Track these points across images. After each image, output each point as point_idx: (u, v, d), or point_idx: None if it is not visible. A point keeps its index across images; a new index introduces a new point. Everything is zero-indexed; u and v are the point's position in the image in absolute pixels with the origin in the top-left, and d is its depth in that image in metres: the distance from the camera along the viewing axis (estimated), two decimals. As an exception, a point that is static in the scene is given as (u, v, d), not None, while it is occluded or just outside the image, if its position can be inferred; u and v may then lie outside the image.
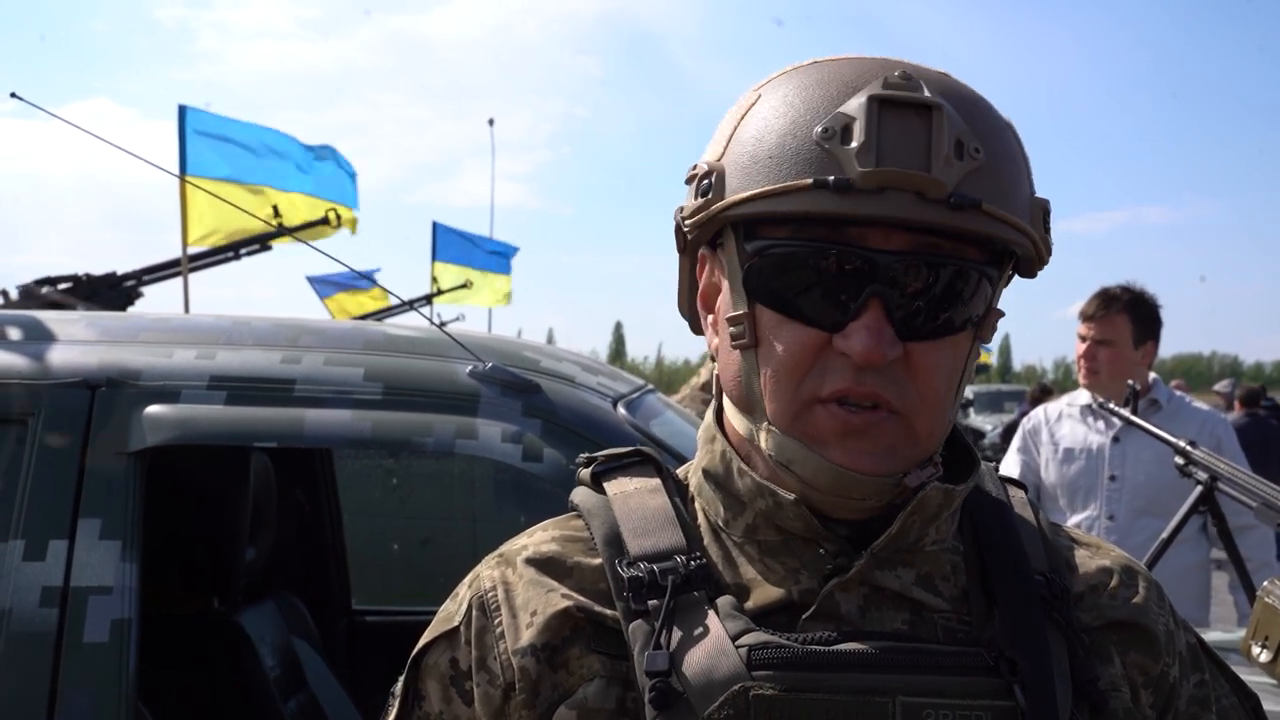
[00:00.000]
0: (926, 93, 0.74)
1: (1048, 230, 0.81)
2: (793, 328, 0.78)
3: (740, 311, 0.80)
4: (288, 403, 1.84)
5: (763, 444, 0.81)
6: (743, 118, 0.81)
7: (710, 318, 0.88)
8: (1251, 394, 10.79)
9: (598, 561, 0.85)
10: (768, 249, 0.77)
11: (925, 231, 0.74)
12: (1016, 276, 0.85)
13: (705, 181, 0.80)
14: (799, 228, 0.76)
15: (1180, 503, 2.74)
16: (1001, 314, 0.83)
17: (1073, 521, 3.33)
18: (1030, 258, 0.81)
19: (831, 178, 0.73)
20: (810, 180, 0.73)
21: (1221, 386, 11.89)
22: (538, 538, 0.90)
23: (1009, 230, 0.76)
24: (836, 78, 0.77)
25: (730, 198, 0.78)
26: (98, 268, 4.66)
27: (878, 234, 0.75)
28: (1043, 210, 0.81)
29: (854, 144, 0.73)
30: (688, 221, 0.82)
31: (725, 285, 0.84)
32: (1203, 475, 2.66)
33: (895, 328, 0.75)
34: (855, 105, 0.74)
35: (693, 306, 0.92)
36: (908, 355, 0.76)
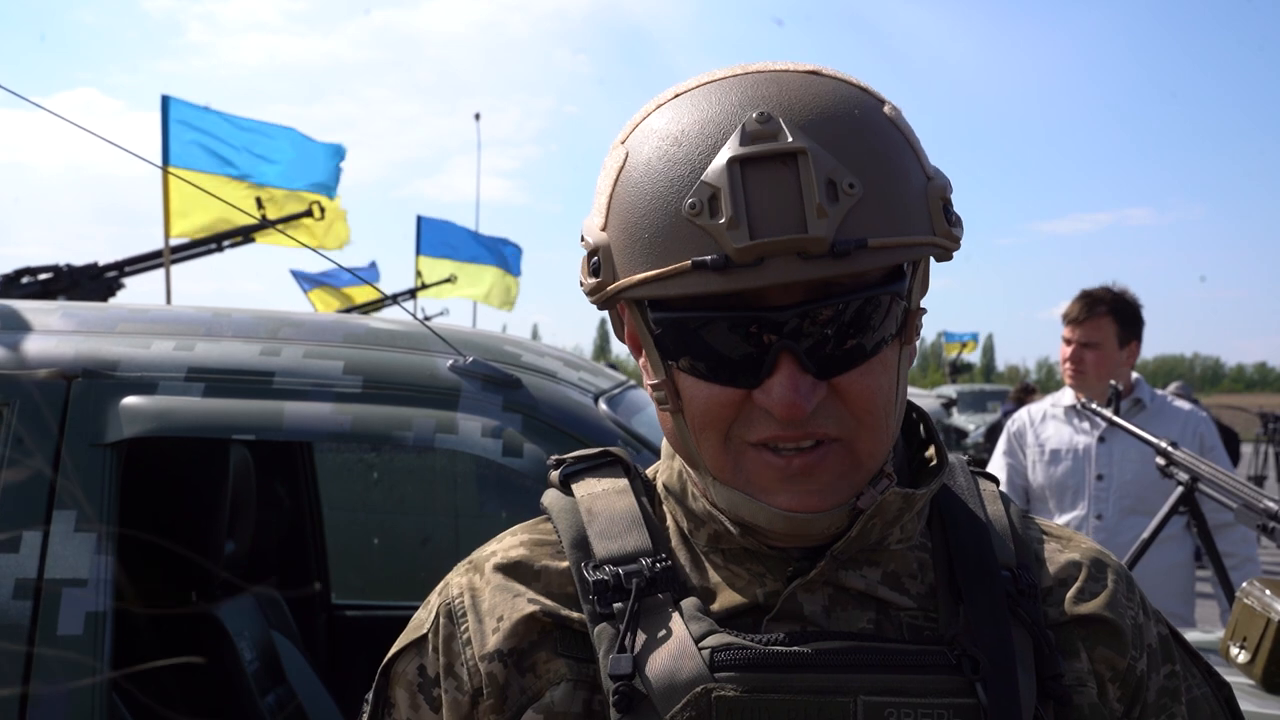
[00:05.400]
0: (788, 135, 0.71)
1: (950, 219, 0.77)
2: (710, 389, 0.76)
3: (660, 379, 0.80)
4: (267, 395, 1.83)
5: (715, 499, 0.81)
6: (615, 182, 0.78)
7: (641, 359, 0.85)
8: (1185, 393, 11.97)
9: (565, 565, 0.86)
10: (670, 320, 0.76)
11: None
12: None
13: (595, 259, 0.79)
14: (697, 298, 0.74)
15: (1166, 501, 2.75)
16: (923, 310, 0.81)
17: (1061, 522, 3.33)
18: (938, 254, 0.78)
19: (710, 258, 0.70)
20: (690, 262, 0.71)
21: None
22: (507, 543, 0.91)
23: (903, 252, 0.73)
24: (695, 130, 0.74)
25: (621, 281, 0.76)
26: (85, 259, 4.63)
27: (775, 290, 0.72)
28: (941, 197, 0.77)
29: (723, 218, 0.70)
30: (590, 298, 0.81)
31: (643, 348, 0.82)
32: (1183, 476, 2.67)
33: (814, 371, 0.74)
34: (717, 172, 0.71)
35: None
36: (835, 387, 0.75)
